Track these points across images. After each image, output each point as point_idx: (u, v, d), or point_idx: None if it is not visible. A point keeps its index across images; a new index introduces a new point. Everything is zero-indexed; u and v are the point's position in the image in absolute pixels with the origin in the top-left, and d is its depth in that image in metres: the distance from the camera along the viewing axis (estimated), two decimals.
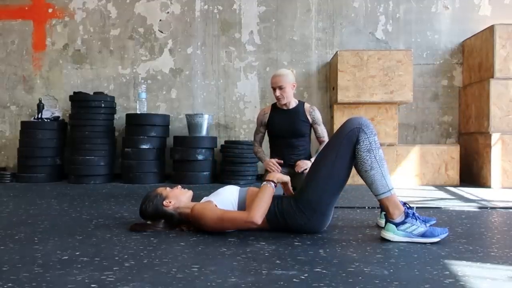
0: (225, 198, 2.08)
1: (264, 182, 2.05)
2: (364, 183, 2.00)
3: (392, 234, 1.94)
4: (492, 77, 4.15)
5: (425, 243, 1.90)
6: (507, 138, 4.12)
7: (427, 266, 1.57)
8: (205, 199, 2.16)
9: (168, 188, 2.18)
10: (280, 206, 2.06)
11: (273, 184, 2.03)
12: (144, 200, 2.15)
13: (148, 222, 2.14)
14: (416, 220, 1.93)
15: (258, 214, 1.92)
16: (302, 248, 1.81)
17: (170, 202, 2.11)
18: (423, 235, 1.91)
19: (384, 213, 1.99)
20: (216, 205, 2.03)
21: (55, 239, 1.96)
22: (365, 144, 1.95)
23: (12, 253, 1.73)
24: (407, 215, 1.93)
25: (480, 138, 4.34)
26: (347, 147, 1.97)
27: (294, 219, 2.03)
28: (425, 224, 1.95)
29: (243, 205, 2.05)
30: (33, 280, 1.39)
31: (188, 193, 2.18)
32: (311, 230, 2.07)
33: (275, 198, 2.09)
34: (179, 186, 2.21)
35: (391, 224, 1.94)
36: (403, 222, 1.92)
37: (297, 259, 1.65)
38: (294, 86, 2.96)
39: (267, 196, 1.99)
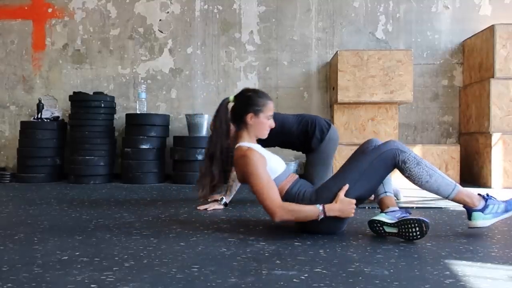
0: (276, 164, 2.07)
1: (320, 208, 1.93)
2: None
3: (482, 220, 1.99)
4: (493, 77, 4.15)
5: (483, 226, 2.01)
6: (508, 138, 4.11)
7: (427, 266, 1.57)
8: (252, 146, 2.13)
9: None
10: (302, 194, 2.03)
11: (321, 217, 1.94)
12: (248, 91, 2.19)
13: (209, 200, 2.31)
14: (492, 199, 2.03)
15: (283, 217, 1.94)
16: (302, 248, 1.81)
17: (252, 118, 2.13)
18: (506, 210, 2.01)
19: (464, 205, 2.03)
20: (266, 163, 2.04)
21: (55, 239, 1.96)
22: (411, 161, 1.99)
23: (11, 253, 1.73)
24: (485, 199, 2.01)
25: (480, 138, 4.34)
26: (381, 164, 2.00)
27: (306, 225, 2.02)
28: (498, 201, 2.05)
29: (278, 183, 2.05)
30: (33, 280, 1.39)
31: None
32: (323, 230, 2.05)
33: (299, 183, 2.09)
34: None
35: (477, 212, 1.99)
36: (486, 206, 1.99)
37: (297, 259, 1.65)
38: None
39: (305, 217, 1.95)
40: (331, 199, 1.97)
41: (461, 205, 2.04)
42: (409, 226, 1.93)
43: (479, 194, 2.06)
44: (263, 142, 2.79)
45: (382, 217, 2.01)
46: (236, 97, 2.23)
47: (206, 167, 2.25)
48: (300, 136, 2.90)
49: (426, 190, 2.03)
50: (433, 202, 3.17)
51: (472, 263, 1.62)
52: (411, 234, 1.92)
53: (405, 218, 1.95)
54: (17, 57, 5.12)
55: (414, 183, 2.03)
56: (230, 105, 2.26)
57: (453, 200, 2.02)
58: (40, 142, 4.60)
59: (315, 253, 1.73)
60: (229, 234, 2.07)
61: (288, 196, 2.05)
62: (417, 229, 1.91)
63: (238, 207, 2.84)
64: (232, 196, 2.88)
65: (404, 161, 2.00)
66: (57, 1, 5.09)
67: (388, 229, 1.99)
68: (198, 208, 2.81)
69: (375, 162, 2.01)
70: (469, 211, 2.01)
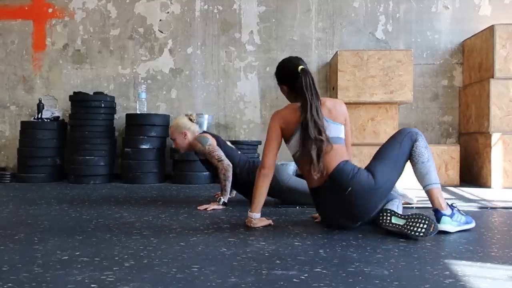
0: None
1: None
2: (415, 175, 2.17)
3: (450, 225, 2.09)
4: (492, 77, 4.15)
5: (466, 230, 2.12)
6: (507, 138, 4.12)
7: (427, 266, 1.57)
8: None
9: None
10: (356, 170, 2.09)
11: None
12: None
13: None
14: (456, 209, 2.15)
15: None
16: (302, 248, 1.81)
17: None
18: (466, 222, 2.14)
19: (433, 208, 2.13)
20: None
21: (55, 239, 1.96)
22: (423, 143, 2.15)
23: (12, 253, 1.73)
24: (451, 208, 2.13)
25: (480, 138, 4.34)
26: (407, 145, 2.15)
27: (364, 191, 2.05)
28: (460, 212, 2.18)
29: (342, 144, 2.20)
30: (33, 280, 1.39)
31: None
32: (361, 213, 2.12)
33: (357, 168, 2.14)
34: None
35: (446, 217, 2.09)
36: (453, 214, 2.11)
37: (297, 259, 1.65)
38: (185, 134, 3.01)
39: None
40: (388, 187, 2.13)
41: (430, 206, 2.16)
42: (418, 221, 1.96)
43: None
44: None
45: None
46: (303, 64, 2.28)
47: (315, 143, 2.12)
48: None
49: (417, 168, 2.15)
50: None
51: (472, 263, 1.63)
52: (416, 229, 1.95)
53: (417, 213, 2.01)
54: (17, 57, 5.12)
55: (413, 157, 2.15)
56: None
57: (428, 192, 2.13)
58: (40, 142, 4.60)
59: (315, 253, 1.73)
60: (229, 234, 2.07)
61: (344, 167, 2.09)
62: (425, 226, 1.94)
63: (238, 207, 2.84)
64: (228, 194, 2.89)
65: (417, 139, 2.16)
66: (57, 1, 5.09)
67: (395, 220, 2.03)
68: (198, 208, 2.81)
69: (403, 145, 2.16)
70: (439, 214, 2.10)
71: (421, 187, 2.18)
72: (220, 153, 2.92)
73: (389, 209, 2.08)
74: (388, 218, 2.05)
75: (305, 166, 2.13)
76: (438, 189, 2.13)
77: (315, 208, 2.33)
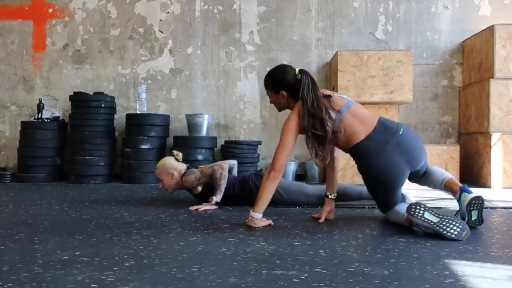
0: None
1: None
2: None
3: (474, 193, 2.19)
4: (492, 77, 4.15)
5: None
6: (507, 138, 4.12)
7: (427, 266, 1.57)
8: None
9: None
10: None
11: None
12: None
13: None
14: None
15: None
16: (302, 248, 1.81)
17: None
18: None
19: (460, 187, 2.24)
20: None
21: (55, 239, 1.96)
22: None
23: (12, 253, 1.73)
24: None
25: (480, 138, 4.34)
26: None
27: (412, 132, 2.37)
28: None
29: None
30: (33, 280, 1.39)
31: None
32: (417, 149, 2.29)
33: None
34: None
35: (469, 189, 2.21)
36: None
37: (297, 259, 1.65)
38: (173, 174, 2.97)
39: None
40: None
41: (451, 193, 2.30)
42: (453, 223, 1.97)
43: None
44: None
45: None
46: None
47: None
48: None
49: (433, 171, 2.37)
50: (432, 202, 3.18)
51: (471, 263, 1.63)
52: (449, 230, 1.95)
53: (452, 216, 2.05)
54: (17, 57, 5.12)
55: (428, 167, 2.39)
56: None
57: (448, 181, 2.29)
58: (40, 142, 4.60)
59: (315, 253, 1.74)
60: (229, 234, 2.07)
61: (385, 119, 2.33)
62: (458, 229, 1.95)
63: (238, 207, 2.84)
64: (222, 194, 2.87)
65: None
66: (58, 2, 5.09)
67: (427, 216, 2.01)
68: (189, 208, 2.78)
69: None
70: (467, 189, 2.20)
71: (436, 187, 2.37)
72: (209, 164, 3.05)
73: (423, 204, 2.07)
74: (422, 212, 2.02)
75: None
76: (453, 177, 2.33)
77: (357, 166, 2.33)
